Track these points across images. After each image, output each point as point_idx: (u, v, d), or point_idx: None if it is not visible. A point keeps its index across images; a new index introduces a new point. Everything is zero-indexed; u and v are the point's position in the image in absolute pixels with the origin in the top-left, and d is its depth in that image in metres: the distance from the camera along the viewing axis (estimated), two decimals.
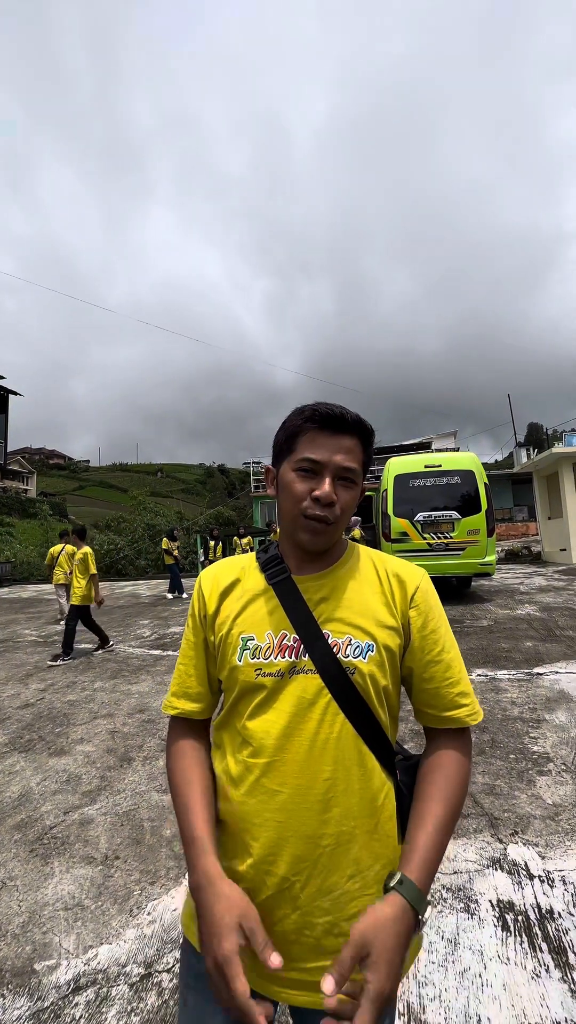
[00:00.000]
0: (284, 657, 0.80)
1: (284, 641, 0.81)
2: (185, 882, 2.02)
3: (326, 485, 0.80)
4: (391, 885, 0.70)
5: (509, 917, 1.76)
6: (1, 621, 9.80)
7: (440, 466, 8.42)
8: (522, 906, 1.81)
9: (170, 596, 11.94)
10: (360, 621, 0.82)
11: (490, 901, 1.84)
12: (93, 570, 6.38)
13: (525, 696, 3.90)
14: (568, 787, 2.56)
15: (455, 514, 8.06)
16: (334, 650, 0.80)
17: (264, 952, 0.65)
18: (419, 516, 8.15)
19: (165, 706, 0.92)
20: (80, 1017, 1.49)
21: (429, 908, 1.91)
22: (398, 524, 8.20)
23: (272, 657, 0.81)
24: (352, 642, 0.81)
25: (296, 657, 0.80)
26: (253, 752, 0.79)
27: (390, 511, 8.28)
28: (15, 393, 23.74)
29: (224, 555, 13.01)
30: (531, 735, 3.20)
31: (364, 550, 0.93)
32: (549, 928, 1.70)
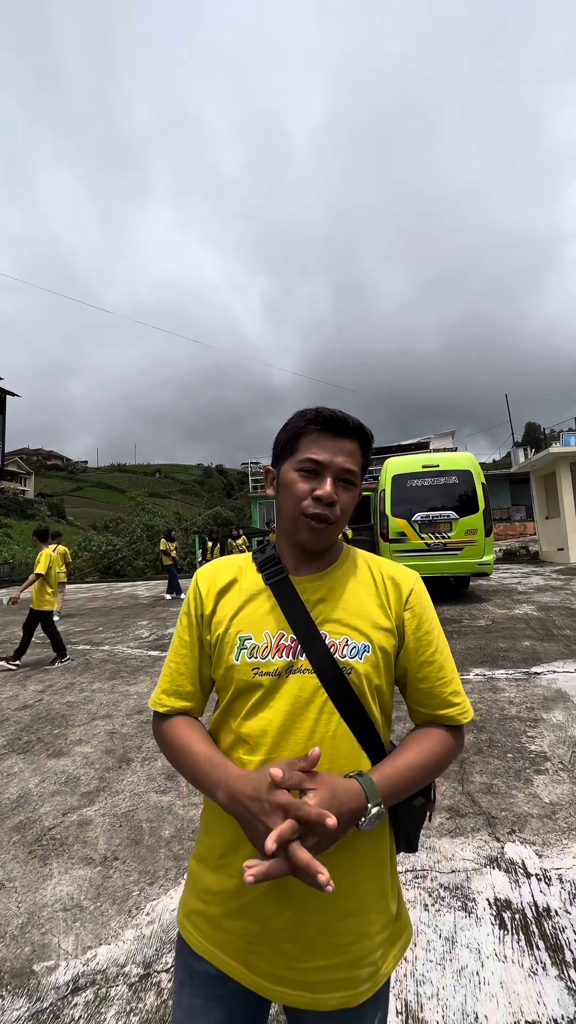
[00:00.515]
0: (282, 657, 0.81)
1: (282, 641, 0.82)
2: (183, 882, 2.01)
3: (327, 485, 0.82)
4: (349, 775, 0.74)
5: (506, 915, 1.77)
6: (0, 622, 9.79)
7: (438, 466, 8.43)
8: (519, 904, 1.82)
9: (168, 597, 11.94)
10: (356, 622, 0.83)
11: (487, 899, 1.85)
12: (39, 570, 6.05)
13: (523, 695, 3.91)
14: (565, 786, 2.57)
15: (453, 514, 8.07)
16: (331, 650, 0.81)
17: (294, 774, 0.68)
18: (417, 516, 8.16)
19: (154, 702, 0.89)
20: (79, 1017, 1.49)
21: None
22: (396, 524, 8.20)
23: (270, 656, 0.81)
24: (349, 643, 0.82)
25: (293, 657, 0.81)
26: (249, 749, 0.80)
27: (388, 511, 8.28)
28: (13, 394, 23.73)
29: (221, 556, 12.99)
30: (528, 734, 3.21)
31: (359, 553, 0.94)
32: (546, 926, 1.71)
